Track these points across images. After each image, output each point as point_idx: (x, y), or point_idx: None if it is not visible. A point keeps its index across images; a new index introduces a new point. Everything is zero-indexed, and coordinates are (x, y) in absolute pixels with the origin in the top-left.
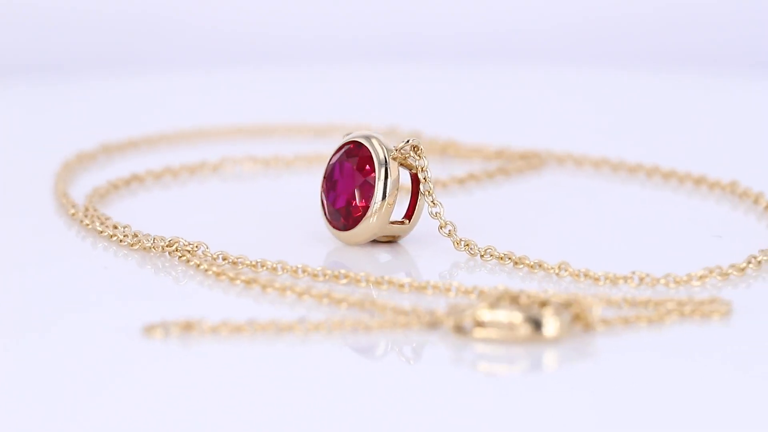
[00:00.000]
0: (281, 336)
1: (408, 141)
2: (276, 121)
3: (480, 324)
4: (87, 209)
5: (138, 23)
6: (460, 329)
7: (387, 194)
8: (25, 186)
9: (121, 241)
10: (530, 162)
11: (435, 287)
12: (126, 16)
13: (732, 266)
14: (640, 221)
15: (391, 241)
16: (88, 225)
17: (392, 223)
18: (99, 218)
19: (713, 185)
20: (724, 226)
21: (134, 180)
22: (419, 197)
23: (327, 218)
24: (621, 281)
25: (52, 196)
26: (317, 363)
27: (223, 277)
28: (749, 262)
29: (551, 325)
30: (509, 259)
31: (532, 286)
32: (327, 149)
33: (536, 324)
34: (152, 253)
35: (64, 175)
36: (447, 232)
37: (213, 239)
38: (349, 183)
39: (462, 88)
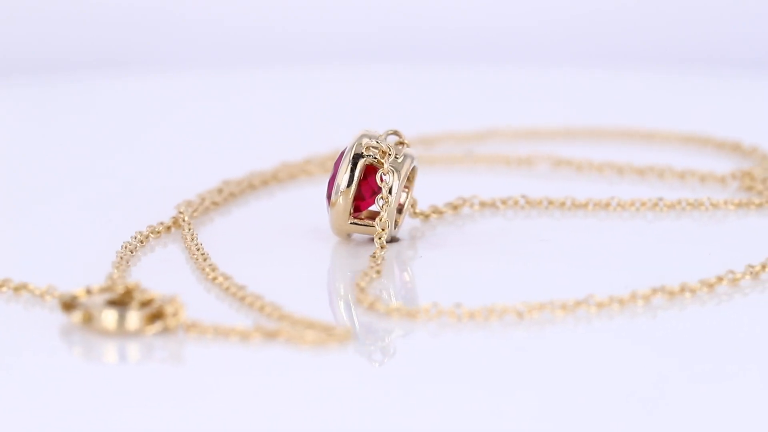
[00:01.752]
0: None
1: (377, 142)
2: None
3: (77, 307)
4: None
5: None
6: (66, 308)
7: (345, 188)
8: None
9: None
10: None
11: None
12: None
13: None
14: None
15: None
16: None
17: (365, 224)
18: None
19: None
20: None
21: (272, 180)
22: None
23: None
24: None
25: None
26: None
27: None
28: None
29: (130, 319)
30: (375, 268)
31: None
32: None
33: (120, 316)
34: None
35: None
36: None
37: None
38: (332, 178)
39: None
